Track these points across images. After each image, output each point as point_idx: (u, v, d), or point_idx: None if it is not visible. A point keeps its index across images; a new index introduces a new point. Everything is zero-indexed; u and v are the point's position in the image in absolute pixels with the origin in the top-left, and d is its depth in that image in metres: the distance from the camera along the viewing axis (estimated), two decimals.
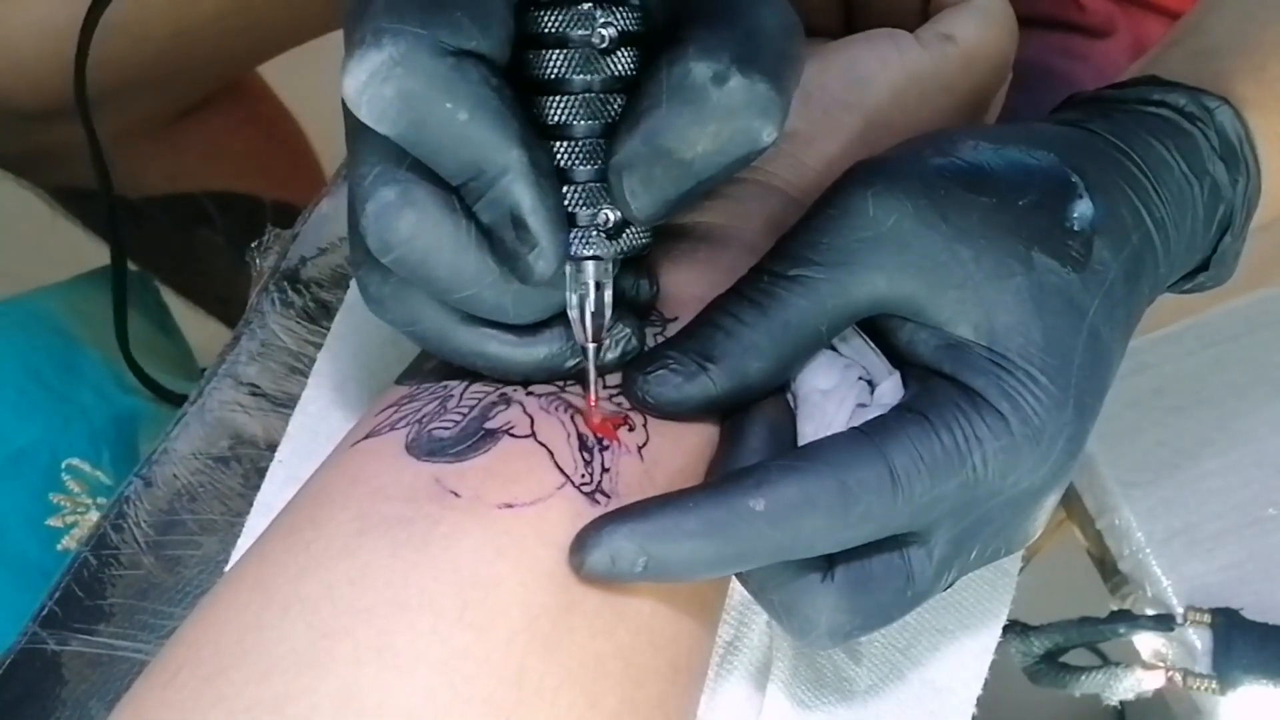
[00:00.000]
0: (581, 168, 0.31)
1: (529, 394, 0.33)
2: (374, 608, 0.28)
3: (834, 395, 0.33)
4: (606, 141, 0.30)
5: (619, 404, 0.33)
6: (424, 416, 0.32)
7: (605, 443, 0.32)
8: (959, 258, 0.32)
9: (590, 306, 0.32)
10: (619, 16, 0.30)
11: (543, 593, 0.29)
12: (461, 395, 0.33)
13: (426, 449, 0.31)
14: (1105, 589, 0.64)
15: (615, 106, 0.31)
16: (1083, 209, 0.33)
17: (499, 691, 0.28)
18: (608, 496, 0.31)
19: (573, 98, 0.30)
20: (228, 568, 0.43)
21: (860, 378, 0.34)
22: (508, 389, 0.33)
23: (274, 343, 0.47)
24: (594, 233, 0.31)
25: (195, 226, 0.80)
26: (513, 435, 0.32)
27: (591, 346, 0.32)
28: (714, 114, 0.29)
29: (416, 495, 0.30)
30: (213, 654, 0.29)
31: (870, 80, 0.41)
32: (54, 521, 0.57)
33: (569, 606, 0.29)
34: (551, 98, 0.31)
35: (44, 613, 0.43)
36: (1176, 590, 0.60)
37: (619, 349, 0.33)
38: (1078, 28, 0.63)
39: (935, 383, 0.32)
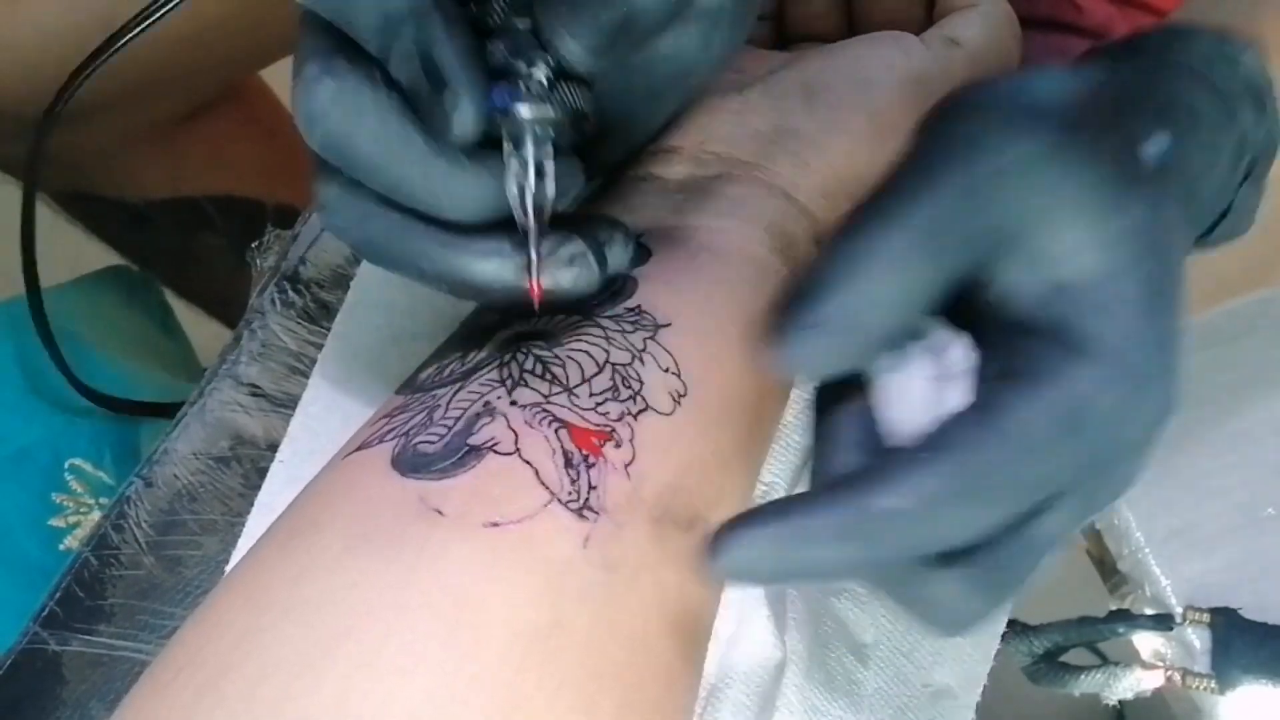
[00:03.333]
0: (516, 21, 0.30)
1: (513, 404, 0.32)
2: (373, 612, 0.28)
3: (907, 373, 0.31)
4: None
5: (604, 414, 0.32)
6: (411, 429, 0.32)
7: (591, 459, 0.31)
8: (1066, 197, 0.29)
9: (530, 176, 0.30)
10: None
11: (531, 611, 0.29)
12: (447, 405, 0.32)
13: (411, 465, 0.31)
14: (1105, 589, 0.64)
15: None
16: (1164, 145, 0.32)
17: (496, 693, 0.28)
18: (596, 513, 0.30)
19: None
20: (228, 568, 0.43)
21: (924, 349, 0.32)
22: (491, 397, 0.32)
23: (274, 343, 0.48)
24: (526, 85, 0.29)
25: (197, 230, 0.80)
26: (497, 452, 0.31)
27: (532, 225, 0.30)
28: None
29: (403, 514, 0.30)
30: (213, 656, 0.29)
31: (875, 81, 0.40)
32: (56, 521, 0.57)
33: (558, 625, 0.29)
34: None
35: (45, 613, 0.43)
36: (1175, 590, 0.60)
37: (572, 268, 0.31)
38: (1076, 29, 0.63)
39: (1032, 342, 0.30)
